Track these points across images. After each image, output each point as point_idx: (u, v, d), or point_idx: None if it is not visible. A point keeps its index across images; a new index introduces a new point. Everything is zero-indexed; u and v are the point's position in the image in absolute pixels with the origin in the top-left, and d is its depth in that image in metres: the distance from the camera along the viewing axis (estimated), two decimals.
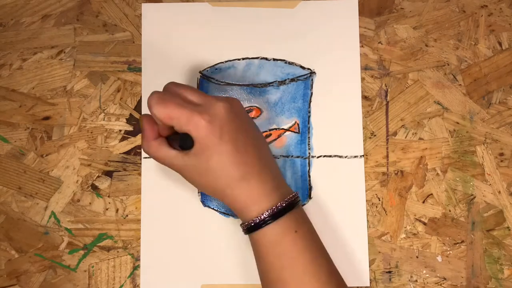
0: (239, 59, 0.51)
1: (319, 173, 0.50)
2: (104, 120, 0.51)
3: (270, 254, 0.40)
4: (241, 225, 0.42)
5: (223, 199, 0.42)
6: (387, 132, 0.50)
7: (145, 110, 0.51)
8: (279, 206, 0.40)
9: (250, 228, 0.41)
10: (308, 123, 0.50)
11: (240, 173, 0.40)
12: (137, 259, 0.49)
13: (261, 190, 0.41)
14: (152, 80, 0.51)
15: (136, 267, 0.49)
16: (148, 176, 0.50)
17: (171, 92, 0.41)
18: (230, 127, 0.41)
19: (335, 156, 0.50)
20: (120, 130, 0.51)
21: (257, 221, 0.40)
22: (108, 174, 0.50)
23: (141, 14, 0.52)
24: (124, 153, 0.51)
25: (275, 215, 0.40)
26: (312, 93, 0.51)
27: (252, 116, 0.50)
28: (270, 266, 0.41)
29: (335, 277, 0.41)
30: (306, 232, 0.41)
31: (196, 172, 0.41)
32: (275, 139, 0.50)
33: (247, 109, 0.50)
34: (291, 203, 0.41)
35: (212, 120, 0.40)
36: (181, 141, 0.42)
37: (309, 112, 0.50)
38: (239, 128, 0.41)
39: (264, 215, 0.40)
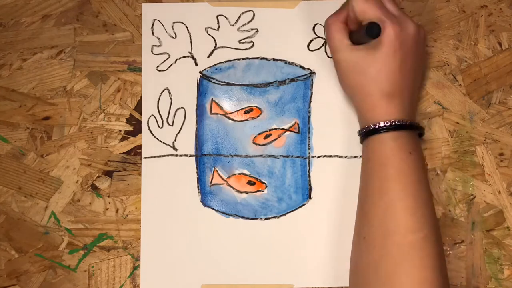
0: (239, 59, 0.51)
1: (319, 173, 0.50)
2: (104, 120, 0.51)
3: (378, 164, 0.42)
4: (360, 131, 0.45)
5: (356, 102, 0.45)
6: None
7: (145, 110, 0.51)
8: (404, 121, 0.43)
9: (370, 131, 0.43)
10: (308, 123, 0.50)
11: (391, 91, 0.43)
12: (137, 259, 0.49)
13: (394, 108, 0.43)
14: (152, 80, 0.51)
15: (136, 267, 0.49)
16: (148, 176, 0.50)
17: None
18: (413, 50, 0.43)
19: (335, 156, 0.50)
20: (120, 130, 0.51)
21: (378, 126, 0.42)
22: (108, 174, 0.50)
23: (141, 14, 0.52)
24: (124, 153, 0.51)
25: (397, 127, 0.42)
26: (312, 93, 0.51)
27: (252, 116, 0.50)
28: (374, 175, 0.43)
29: (431, 205, 0.42)
30: (418, 158, 0.43)
31: (351, 70, 0.44)
32: (275, 139, 0.50)
33: (247, 109, 0.51)
34: (415, 126, 0.44)
35: (401, 35, 0.42)
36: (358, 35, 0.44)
37: (309, 112, 0.51)
38: (418, 54, 0.44)
39: (386, 123, 0.42)
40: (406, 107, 0.44)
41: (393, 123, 0.42)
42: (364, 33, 0.42)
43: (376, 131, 0.43)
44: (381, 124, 0.42)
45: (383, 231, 0.41)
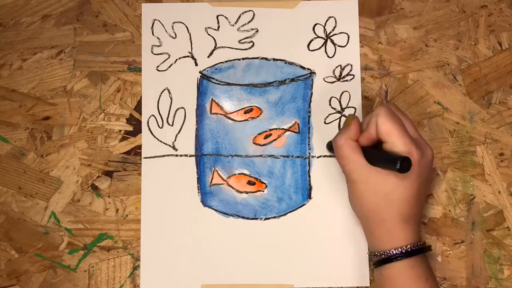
0: (239, 59, 0.51)
1: (319, 173, 0.50)
2: (104, 120, 0.51)
3: None
4: (372, 256, 0.43)
5: (370, 226, 0.43)
6: None
7: (145, 110, 0.51)
8: (415, 246, 0.42)
9: (385, 259, 0.42)
10: (308, 123, 0.50)
11: (409, 214, 0.42)
12: (137, 259, 0.49)
13: (408, 233, 0.42)
14: (152, 80, 0.51)
15: (136, 267, 0.49)
16: (148, 176, 0.50)
17: (395, 112, 0.43)
18: (428, 174, 0.43)
19: (335, 156, 0.50)
20: (120, 130, 0.51)
21: (394, 253, 0.41)
22: (108, 174, 0.50)
23: (141, 14, 0.52)
24: (124, 153, 0.51)
25: (409, 253, 0.41)
26: (312, 93, 0.51)
27: (252, 116, 0.50)
28: None
29: None
30: (434, 282, 0.42)
31: (371, 191, 0.42)
32: (275, 139, 0.50)
33: (247, 109, 0.51)
34: (424, 248, 0.42)
35: (422, 161, 0.41)
36: (377, 160, 0.42)
37: (309, 112, 0.51)
38: (428, 176, 0.43)
39: (402, 250, 0.41)
40: (418, 229, 0.43)
41: (409, 249, 0.41)
42: (394, 167, 0.40)
43: (392, 258, 0.41)
44: (397, 251, 0.41)
45: None
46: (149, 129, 0.51)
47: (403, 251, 0.41)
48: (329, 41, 0.51)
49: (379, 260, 0.42)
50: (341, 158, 0.43)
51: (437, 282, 0.42)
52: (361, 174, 0.42)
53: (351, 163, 0.42)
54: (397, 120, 0.41)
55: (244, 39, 0.52)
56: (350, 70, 0.51)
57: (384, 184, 0.41)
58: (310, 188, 0.50)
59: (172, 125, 0.51)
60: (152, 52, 0.51)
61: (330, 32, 0.51)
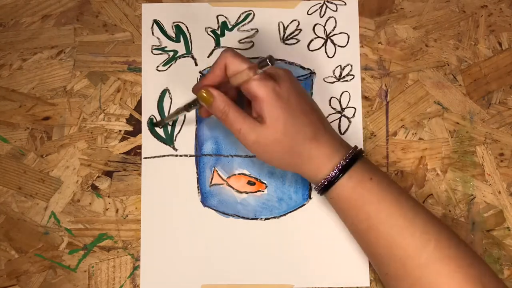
0: None
1: None
2: (104, 120, 0.51)
3: (352, 207, 0.41)
4: (315, 188, 0.43)
5: (298, 164, 0.42)
6: (387, 132, 0.50)
7: (145, 110, 0.51)
8: (346, 158, 0.41)
9: (326, 186, 0.42)
10: None
11: (313, 131, 0.41)
12: (137, 259, 0.49)
13: (330, 148, 0.42)
14: (152, 80, 0.51)
15: (136, 267, 0.49)
16: (148, 176, 0.50)
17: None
18: (294, 91, 0.41)
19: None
20: (120, 130, 0.51)
21: (330, 177, 0.41)
22: (108, 174, 0.50)
23: (141, 14, 0.52)
24: (124, 153, 0.51)
25: (345, 168, 0.41)
26: (312, 93, 0.51)
27: None
28: (356, 219, 0.42)
29: (420, 209, 0.41)
30: (381, 177, 0.42)
31: (272, 141, 0.41)
32: None
33: None
34: (356, 154, 0.42)
35: (280, 82, 0.41)
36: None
37: None
38: (301, 91, 0.42)
39: (335, 171, 0.41)
40: (337, 142, 0.43)
41: (339, 166, 0.41)
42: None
43: (331, 183, 0.41)
44: (330, 177, 0.41)
45: (398, 262, 0.40)
46: (149, 129, 0.51)
47: (338, 169, 0.41)
48: (329, 41, 0.51)
49: (323, 189, 0.42)
50: (231, 125, 0.42)
51: (386, 174, 0.42)
52: (255, 130, 0.41)
53: (243, 125, 0.41)
54: (245, 60, 0.41)
55: (244, 39, 0.52)
56: (350, 70, 0.51)
57: (272, 129, 0.41)
58: (310, 188, 0.50)
59: (172, 125, 0.51)
60: (152, 52, 0.51)
61: (330, 32, 0.51)
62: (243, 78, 0.40)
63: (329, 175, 0.41)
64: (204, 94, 0.42)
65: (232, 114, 0.41)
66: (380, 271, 0.42)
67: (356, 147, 0.43)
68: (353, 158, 0.42)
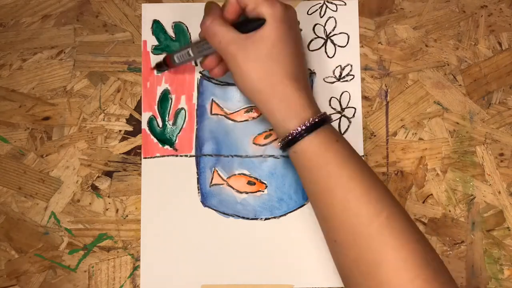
0: None
1: None
2: (104, 120, 0.51)
3: (314, 165, 0.41)
4: (280, 142, 0.42)
5: (267, 99, 0.42)
6: (387, 132, 0.50)
7: (145, 110, 0.51)
8: (316, 118, 0.41)
9: (291, 140, 0.41)
10: None
11: (296, 73, 0.42)
12: (137, 259, 0.49)
13: (304, 100, 0.42)
14: (152, 80, 0.51)
15: (136, 267, 0.49)
16: (148, 176, 0.50)
17: None
18: (296, 27, 0.42)
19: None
20: (120, 130, 0.51)
21: (296, 133, 0.41)
22: (108, 174, 0.50)
23: (141, 14, 0.52)
24: (124, 153, 0.51)
25: (312, 128, 0.41)
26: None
27: (252, 116, 0.50)
28: (315, 177, 0.41)
29: (378, 181, 0.41)
30: (345, 143, 0.42)
31: (254, 58, 0.41)
32: (275, 139, 0.50)
33: (247, 109, 0.50)
34: (324, 119, 0.42)
35: (286, 10, 0.42)
36: (242, 26, 0.42)
37: None
38: (299, 34, 0.43)
39: (303, 126, 0.41)
40: (312, 100, 0.42)
41: (312, 121, 0.41)
42: (262, 20, 0.41)
43: (298, 137, 0.41)
44: (296, 132, 0.41)
45: (348, 229, 0.39)
46: (149, 129, 0.51)
47: (306, 125, 0.40)
48: (329, 41, 0.51)
49: (287, 143, 0.42)
50: (213, 37, 0.42)
51: (348, 142, 0.42)
52: (237, 43, 0.41)
53: (225, 35, 0.42)
54: None
55: None
56: (350, 70, 0.51)
57: (262, 44, 0.41)
58: None
59: (172, 125, 0.51)
60: (152, 52, 0.51)
61: (330, 32, 0.51)
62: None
63: (297, 128, 0.41)
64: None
65: (218, 26, 0.42)
66: (329, 237, 0.42)
67: (325, 112, 0.43)
68: (323, 119, 0.41)
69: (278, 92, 0.41)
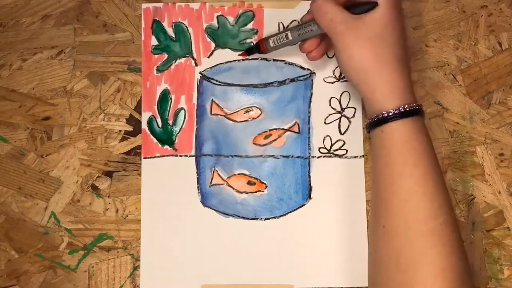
0: (239, 60, 0.51)
1: (319, 173, 0.50)
2: (104, 120, 0.51)
3: (398, 149, 0.41)
4: (370, 119, 0.43)
5: (371, 78, 0.43)
6: None
7: (145, 110, 0.51)
8: (417, 105, 0.42)
9: (383, 119, 0.42)
10: (308, 123, 0.50)
11: (402, 56, 0.43)
12: (137, 259, 0.49)
13: (407, 84, 0.43)
14: (152, 80, 0.51)
15: (136, 267, 0.49)
16: (148, 176, 0.50)
17: None
18: (403, 12, 0.45)
19: (335, 156, 0.50)
20: (120, 131, 0.51)
21: (393, 113, 0.41)
22: (108, 174, 0.50)
23: (141, 14, 0.52)
24: (124, 153, 0.51)
25: (407, 113, 0.42)
26: (312, 93, 0.51)
27: (252, 116, 0.50)
28: (392, 160, 0.41)
29: (446, 187, 0.42)
30: (430, 140, 0.43)
31: (365, 38, 0.42)
32: (275, 139, 0.50)
33: (247, 109, 0.51)
34: (421, 108, 0.43)
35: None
36: (353, 7, 0.43)
37: (309, 112, 0.51)
38: (404, 18, 0.45)
39: (401, 110, 0.41)
40: (412, 87, 0.43)
41: (402, 109, 0.41)
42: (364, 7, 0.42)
43: (387, 119, 0.42)
44: (398, 111, 0.41)
45: (403, 219, 0.40)
46: (149, 129, 0.51)
47: (406, 108, 0.41)
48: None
49: (378, 121, 0.42)
50: (324, 15, 0.43)
51: (431, 141, 0.43)
52: (349, 22, 0.43)
53: (337, 14, 0.43)
54: None
55: (244, 39, 0.52)
56: None
57: (374, 25, 0.42)
58: (310, 188, 0.50)
59: (172, 125, 0.51)
60: (152, 52, 0.51)
61: None
62: None
63: (395, 109, 0.41)
64: None
65: (330, 6, 0.43)
66: (378, 222, 0.42)
67: (421, 104, 0.43)
68: (420, 108, 0.42)
69: (384, 73, 0.42)
